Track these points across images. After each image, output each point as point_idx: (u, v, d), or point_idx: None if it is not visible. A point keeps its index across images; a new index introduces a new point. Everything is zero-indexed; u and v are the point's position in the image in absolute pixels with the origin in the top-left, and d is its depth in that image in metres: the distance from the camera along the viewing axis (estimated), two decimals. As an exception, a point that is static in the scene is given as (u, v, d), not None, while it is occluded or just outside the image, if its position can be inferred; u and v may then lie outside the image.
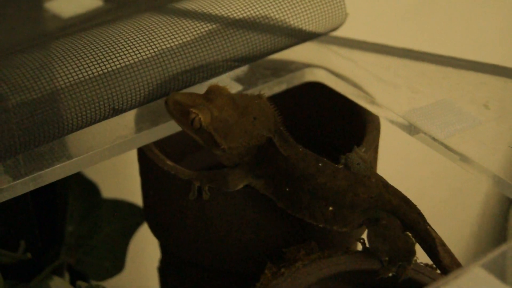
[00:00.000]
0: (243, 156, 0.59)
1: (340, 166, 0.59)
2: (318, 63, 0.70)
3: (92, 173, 0.78)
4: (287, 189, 0.58)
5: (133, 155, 0.69)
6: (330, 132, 0.74)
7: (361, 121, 0.68)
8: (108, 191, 0.81)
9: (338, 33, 0.69)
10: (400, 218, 0.58)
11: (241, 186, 0.60)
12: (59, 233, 0.76)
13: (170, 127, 0.63)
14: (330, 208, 0.58)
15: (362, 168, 0.59)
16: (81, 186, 0.78)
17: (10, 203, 0.59)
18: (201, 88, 0.61)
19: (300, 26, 0.66)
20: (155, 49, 0.60)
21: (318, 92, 0.71)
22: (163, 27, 0.62)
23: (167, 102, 0.58)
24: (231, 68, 0.64)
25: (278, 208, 0.60)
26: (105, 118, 0.60)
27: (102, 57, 0.59)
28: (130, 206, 0.80)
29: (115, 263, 0.78)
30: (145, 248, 0.85)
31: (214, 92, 0.58)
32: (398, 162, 0.97)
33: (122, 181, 0.96)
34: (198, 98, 0.58)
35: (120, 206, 0.80)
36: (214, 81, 0.62)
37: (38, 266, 0.71)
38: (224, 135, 0.58)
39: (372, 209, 0.58)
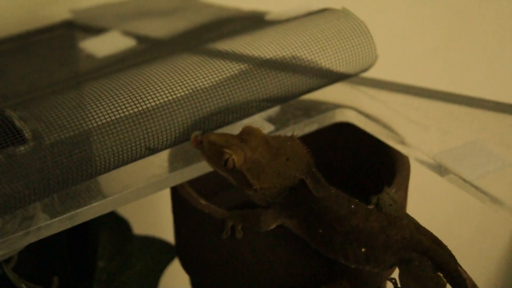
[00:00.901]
0: (275, 196, 0.59)
1: (371, 207, 0.59)
2: (348, 103, 0.70)
3: (123, 210, 0.79)
4: (320, 231, 0.59)
5: (163, 192, 0.68)
6: (360, 172, 0.75)
7: (391, 161, 0.68)
8: (139, 228, 0.82)
9: (368, 74, 0.70)
10: (432, 259, 0.58)
11: (273, 226, 0.60)
12: (90, 269, 0.76)
13: (203, 167, 0.64)
14: (363, 250, 0.58)
15: (393, 209, 0.59)
16: (112, 223, 0.78)
17: (44, 239, 0.59)
18: (234, 128, 0.62)
19: (331, 68, 0.66)
20: (189, 90, 0.61)
21: (348, 133, 0.72)
22: (197, 68, 0.62)
23: (201, 142, 0.59)
24: (263, 108, 0.65)
25: (310, 247, 0.60)
26: (140, 157, 0.60)
27: (137, 97, 0.59)
28: (161, 242, 0.80)
29: (146, 299, 0.78)
30: (175, 284, 0.85)
31: (248, 133, 0.59)
32: (427, 202, 0.96)
33: (153, 218, 0.96)
34: (232, 139, 0.58)
35: (151, 243, 0.79)
36: (246, 121, 0.63)
37: (70, 301, 0.72)
38: (257, 175, 0.58)
39: (404, 250, 0.58)
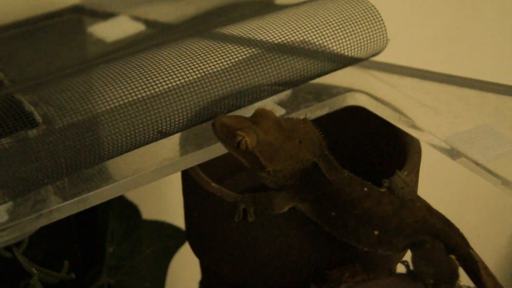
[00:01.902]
0: (287, 179, 0.59)
1: (383, 190, 0.59)
2: (359, 87, 0.70)
3: (132, 195, 0.78)
4: (332, 214, 0.59)
5: (173, 177, 0.68)
6: (371, 155, 0.75)
7: (402, 144, 0.68)
8: (148, 213, 0.82)
9: (379, 58, 0.70)
10: (444, 242, 0.58)
11: (286, 209, 0.60)
12: (100, 254, 0.77)
13: (215, 150, 0.63)
14: (376, 232, 0.58)
15: (406, 192, 0.59)
16: (121, 208, 0.78)
17: (54, 223, 0.59)
18: (245, 112, 0.62)
19: (342, 52, 0.66)
20: (200, 73, 0.61)
21: (359, 116, 0.72)
22: (208, 52, 0.62)
23: (214, 124, 0.58)
24: (274, 92, 0.64)
25: (322, 230, 0.60)
26: (151, 141, 0.60)
27: (148, 80, 0.59)
28: (170, 227, 0.80)
29: (155, 284, 0.78)
30: (185, 268, 0.86)
31: (260, 116, 0.59)
32: (438, 186, 0.96)
33: (162, 203, 0.96)
34: (244, 121, 0.58)
35: (161, 228, 0.80)
36: (258, 104, 0.63)
37: (80, 286, 0.72)
38: (270, 157, 0.58)
39: (417, 233, 0.58)
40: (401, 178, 0.59)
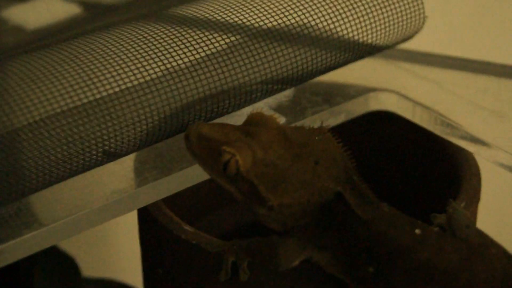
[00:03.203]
0: (299, 217, 0.52)
1: (436, 229, 0.52)
2: (386, 85, 0.66)
3: (67, 244, 0.72)
4: (370, 269, 0.51)
5: (126, 217, 0.61)
6: (407, 179, 0.70)
7: (453, 163, 0.63)
8: (90, 268, 0.76)
9: (412, 45, 0.64)
10: (534, 305, 0.51)
11: (297, 262, 0.52)
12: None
13: (187, 177, 0.57)
14: (437, 296, 0.51)
15: (472, 233, 0.52)
16: (52, 261, 0.73)
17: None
18: (231, 121, 0.55)
19: (360, 35, 0.61)
20: (164, 67, 0.55)
21: (389, 125, 0.68)
22: (172, 38, 0.57)
23: (188, 137, 0.52)
24: (268, 92, 0.59)
25: (352, 294, 0.52)
26: (94, 166, 0.54)
27: (88, 77, 0.53)
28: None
29: None
30: None
31: (256, 123, 0.52)
32: (504, 219, 0.90)
33: (109, 254, 0.92)
34: (233, 132, 0.52)
35: (109, 288, 0.75)
36: (248, 110, 0.56)
37: None
38: (273, 186, 0.51)
39: (495, 292, 0.50)
40: (462, 213, 0.52)
